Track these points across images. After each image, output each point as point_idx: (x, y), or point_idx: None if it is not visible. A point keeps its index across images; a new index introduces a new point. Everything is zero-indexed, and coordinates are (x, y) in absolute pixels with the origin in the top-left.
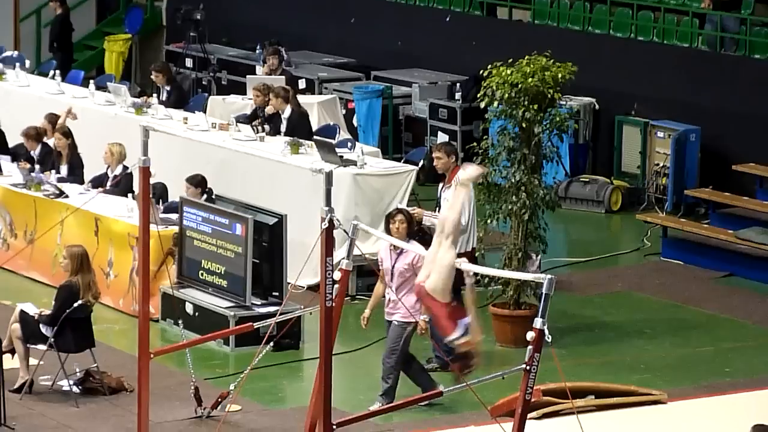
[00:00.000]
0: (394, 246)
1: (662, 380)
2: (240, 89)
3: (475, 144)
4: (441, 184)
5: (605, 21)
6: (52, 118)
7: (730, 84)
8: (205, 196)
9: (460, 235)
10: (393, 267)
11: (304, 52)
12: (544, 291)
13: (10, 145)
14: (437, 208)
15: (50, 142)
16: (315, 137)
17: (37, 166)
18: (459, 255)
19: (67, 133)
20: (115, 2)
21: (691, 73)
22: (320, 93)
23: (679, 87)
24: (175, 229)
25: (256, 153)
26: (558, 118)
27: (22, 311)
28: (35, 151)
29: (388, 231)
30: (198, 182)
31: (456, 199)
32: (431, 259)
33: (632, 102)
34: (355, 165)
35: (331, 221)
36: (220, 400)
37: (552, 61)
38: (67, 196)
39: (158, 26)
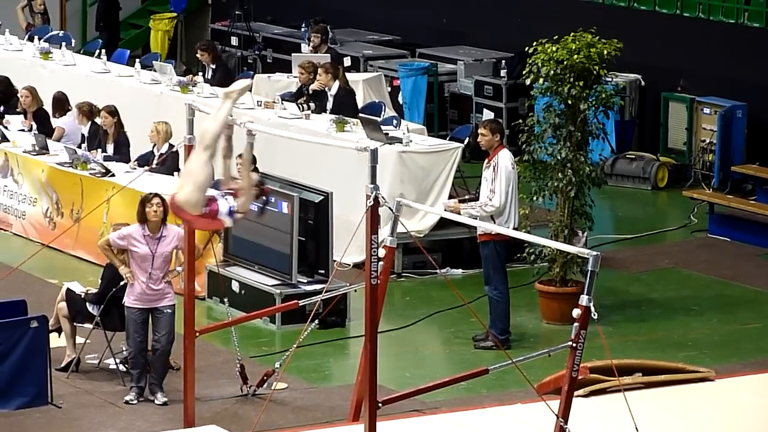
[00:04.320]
0: (151, 232)
1: (709, 357)
2: (285, 67)
3: (520, 121)
4: (486, 161)
5: None
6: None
7: None
8: (255, 174)
9: (498, 215)
10: (154, 253)
11: (349, 29)
12: (589, 268)
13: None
14: (479, 187)
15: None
16: (360, 115)
17: (83, 145)
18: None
19: (114, 112)
20: None
21: (738, 49)
22: (365, 71)
23: (725, 63)
24: None
25: (301, 131)
26: (604, 95)
27: (68, 290)
28: (85, 128)
29: (143, 214)
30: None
31: (220, 111)
32: (187, 172)
33: (678, 78)
34: (401, 142)
35: (376, 199)
36: (265, 378)
37: (597, 37)
38: (113, 175)
39: (203, 5)
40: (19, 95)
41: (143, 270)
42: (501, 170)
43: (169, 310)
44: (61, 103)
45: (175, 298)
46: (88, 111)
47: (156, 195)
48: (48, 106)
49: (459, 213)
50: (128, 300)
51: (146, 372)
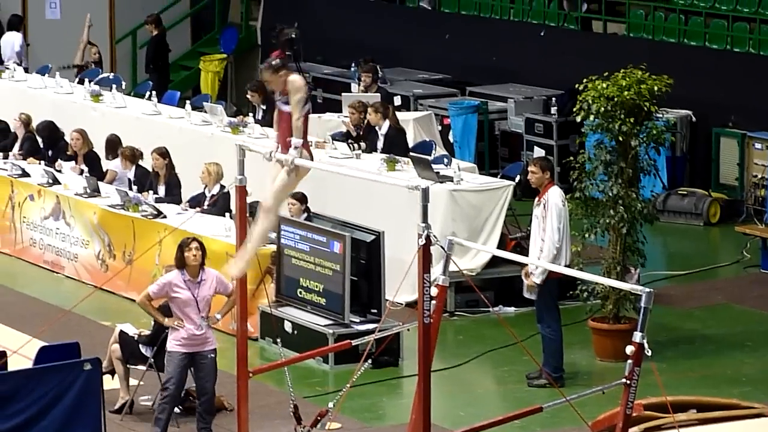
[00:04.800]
0: (192, 277)
1: (764, 393)
2: (335, 107)
3: (571, 158)
4: (536, 199)
5: (701, 33)
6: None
7: None
8: (305, 214)
9: (555, 257)
10: (197, 297)
11: (399, 68)
12: (642, 304)
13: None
14: (530, 225)
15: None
16: (411, 154)
17: (134, 187)
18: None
19: (164, 154)
20: (210, 22)
21: None
22: (416, 109)
23: None
24: (273, 247)
25: (352, 170)
26: (655, 131)
27: (121, 332)
28: (130, 172)
29: (182, 259)
30: (301, 198)
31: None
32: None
33: (729, 114)
34: (452, 181)
35: (428, 237)
36: (319, 418)
37: (648, 73)
38: (164, 216)
39: (253, 45)
40: (68, 138)
41: (186, 315)
42: (551, 208)
43: (212, 355)
44: (114, 146)
45: (216, 342)
46: (131, 155)
47: (194, 239)
48: (98, 149)
49: (537, 284)
50: (171, 344)
51: (173, 415)
